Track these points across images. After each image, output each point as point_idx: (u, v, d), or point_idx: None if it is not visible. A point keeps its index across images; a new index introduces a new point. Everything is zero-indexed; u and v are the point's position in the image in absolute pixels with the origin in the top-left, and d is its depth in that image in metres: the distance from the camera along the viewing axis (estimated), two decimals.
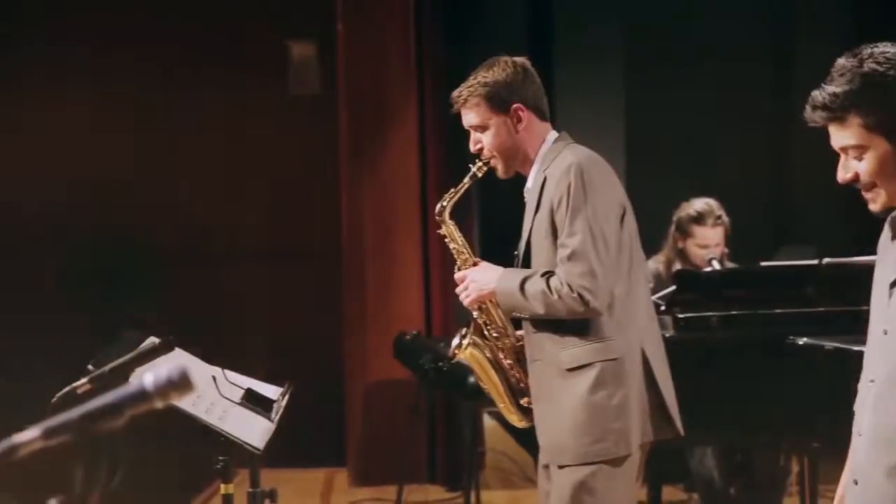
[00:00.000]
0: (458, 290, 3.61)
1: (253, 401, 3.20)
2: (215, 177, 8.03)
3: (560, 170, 3.40)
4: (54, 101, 7.89)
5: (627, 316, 3.41)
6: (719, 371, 4.62)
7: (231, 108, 7.99)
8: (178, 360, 2.66)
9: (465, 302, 3.59)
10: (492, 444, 7.37)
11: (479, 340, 3.62)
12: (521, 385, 3.62)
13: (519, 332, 3.62)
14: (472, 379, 5.46)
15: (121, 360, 2.67)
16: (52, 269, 7.85)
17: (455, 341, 3.64)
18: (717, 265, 5.48)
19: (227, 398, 3.13)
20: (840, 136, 2.33)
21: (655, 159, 7.69)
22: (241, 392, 3.25)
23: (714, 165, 7.67)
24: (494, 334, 3.63)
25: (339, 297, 7.19)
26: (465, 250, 3.63)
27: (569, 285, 3.30)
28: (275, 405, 3.25)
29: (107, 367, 2.65)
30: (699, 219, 5.62)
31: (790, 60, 7.93)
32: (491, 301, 3.56)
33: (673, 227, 5.73)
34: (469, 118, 3.56)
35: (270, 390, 3.40)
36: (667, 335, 4.49)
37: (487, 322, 3.62)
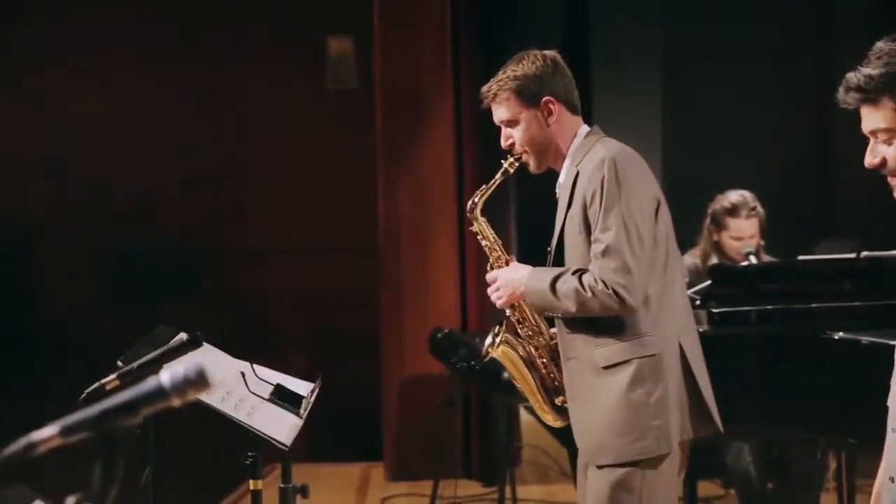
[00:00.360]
0: (489, 290, 3.56)
1: (282, 396, 3.20)
2: (253, 172, 8.08)
3: (592, 164, 3.35)
4: (99, 98, 7.96)
5: (664, 311, 3.35)
6: (755, 366, 4.58)
7: (269, 102, 8.04)
8: (196, 358, 2.66)
9: (498, 304, 3.54)
10: (528, 439, 7.35)
11: (511, 339, 3.57)
12: (556, 384, 3.56)
13: (553, 330, 3.56)
14: (506, 374, 5.45)
15: (149, 357, 2.69)
16: (97, 267, 7.92)
17: (488, 340, 3.59)
18: (753, 259, 5.45)
19: (255, 394, 3.13)
20: (871, 119, 2.30)
21: (693, 158, 7.63)
22: (271, 388, 3.25)
23: (754, 162, 7.62)
24: (528, 332, 3.57)
25: (376, 293, 7.21)
26: (497, 248, 3.58)
27: (603, 282, 3.24)
28: (304, 401, 3.25)
29: (135, 364, 2.66)
30: (733, 210, 5.59)
31: (831, 56, 7.85)
32: (524, 300, 3.52)
33: (708, 220, 5.71)
34: (499, 113, 3.51)
35: (301, 386, 3.40)
36: (701, 330, 4.47)
37: (520, 320, 3.57)
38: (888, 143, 2.30)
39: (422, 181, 7.05)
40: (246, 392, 3.12)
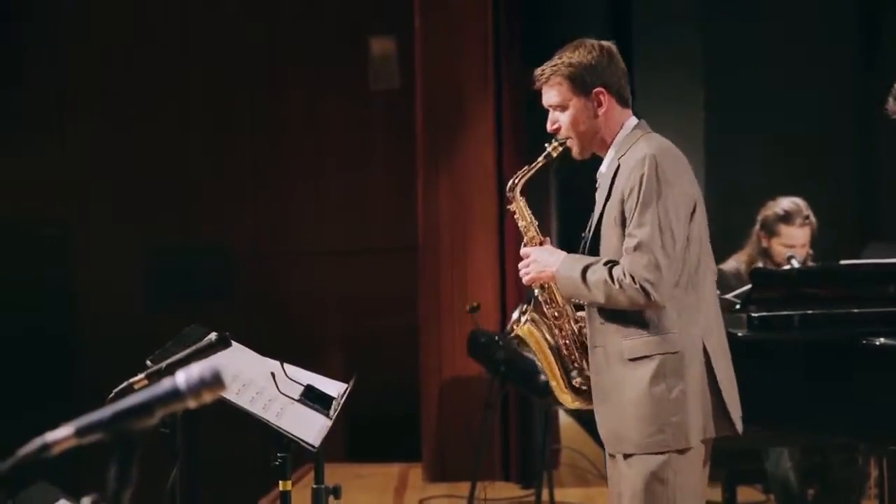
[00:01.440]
0: (519, 265, 3.62)
1: (311, 397, 3.20)
2: (295, 172, 8.11)
3: (634, 159, 3.39)
4: (133, 100, 8.03)
5: (691, 310, 3.39)
6: (794, 371, 4.53)
7: (311, 103, 8.06)
8: (213, 359, 2.66)
9: (524, 280, 3.61)
10: (567, 441, 7.33)
11: (537, 318, 3.64)
12: (576, 365, 3.62)
13: (579, 314, 3.62)
14: (544, 376, 5.43)
15: (177, 357, 2.69)
16: (138, 266, 7.97)
17: (514, 315, 3.67)
18: (795, 263, 5.39)
19: (285, 395, 3.13)
20: None
21: (735, 163, 7.56)
22: (301, 388, 3.24)
23: (796, 166, 7.54)
24: (554, 314, 3.64)
25: (415, 293, 7.20)
26: (532, 228, 3.64)
27: (632, 276, 3.30)
28: (334, 402, 3.24)
29: (163, 364, 2.66)
30: (787, 218, 5.53)
31: (875, 55, 7.76)
32: (552, 283, 3.57)
33: (758, 226, 5.64)
34: (549, 97, 3.54)
35: (332, 386, 3.40)
36: (740, 334, 4.43)
37: (548, 301, 3.63)
38: None
39: (462, 182, 7.04)
40: (276, 392, 3.12)
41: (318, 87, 8.06)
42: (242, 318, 7.49)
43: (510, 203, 3.67)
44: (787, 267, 5.39)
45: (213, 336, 2.82)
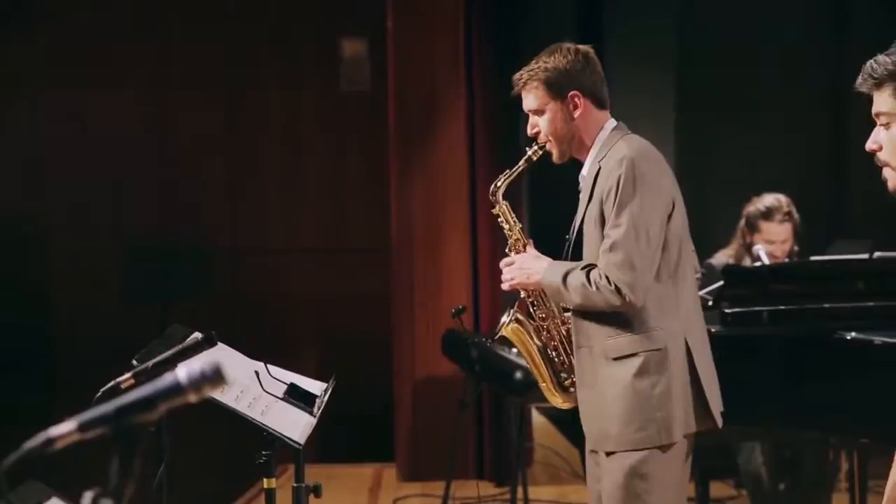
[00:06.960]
0: (504, 272, 3.66)
1: (295, 396, 3.23)
2: (266, 173, 8.13)
3: (613, 161, 3.46)
4: (110, 98, 8.02)
5: (672, 308, 3.46)
6: (767, 366, 4.59)
7: (283, 104, 8.08)
8: (213, 355, 2.68)
9: (506, 286, 3.66)
10: (540, 439, 7.37)
11: (524, 319, 3.69)
12: (565, 366, 3.67)
13: (566, 314, 3.65)
14: (518, 375, 5.47)
15: (163, 356, 2.71)
16: (114, 264, 7.96)
17: (503, 318, 3.71)
18: (763, 257, 5.45)
19: (269, 393, 3.16)
20: (876, 103, 2.38)
21: (706, 160, 7.62)
22: (284, 387, 3.27)
23: (767, 163, 7.60)
24: (541, 315, 3.69)
25: (388, 293, 7.23)
26: (516, 231, 3.69)
27: (607, 277, 3.36)
28: (317, 400, 3.27)
29: (150, 363, 2.68)
30: (767, 214, 5.60)
31: (846, 55, 7.83)
32: (538, 289, 3.63)
33: (742, 222, 5.71)
34: (527, 101, 3.63)
35: (314, 385, 3.42)
36: (713, 330, 4.48)
37: (534, 303, 3.68)
38: (887, 128, 2.36)
39: (434, 183, 7.06)
40: (260, 391, 3.15)
41: (291, 88, 8.08)
42: (214, 318, 7.47)
43: (493, 207, 3.72)
44: (757, 263, 5.46)
45: (198, 335, 2.84)
